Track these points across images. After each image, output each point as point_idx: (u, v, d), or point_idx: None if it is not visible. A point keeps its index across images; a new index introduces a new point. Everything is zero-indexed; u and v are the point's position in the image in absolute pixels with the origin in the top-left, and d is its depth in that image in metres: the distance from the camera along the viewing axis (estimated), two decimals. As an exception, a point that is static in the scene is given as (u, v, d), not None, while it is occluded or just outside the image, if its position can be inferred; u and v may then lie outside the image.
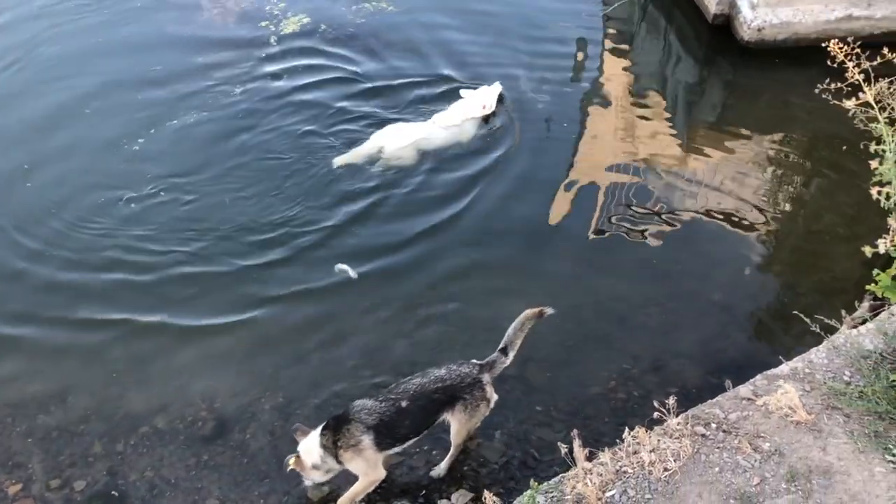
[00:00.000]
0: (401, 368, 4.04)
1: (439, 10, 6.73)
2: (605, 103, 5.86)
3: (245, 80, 6.03)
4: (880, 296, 3.84)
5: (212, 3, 6.81)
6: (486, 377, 3.57)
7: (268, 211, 5.02)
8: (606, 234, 4.91)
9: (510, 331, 3.65)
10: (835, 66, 3.75)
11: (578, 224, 4.99)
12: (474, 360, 3.61)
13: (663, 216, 5.01)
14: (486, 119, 5.60)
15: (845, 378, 3.05)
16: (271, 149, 5.47)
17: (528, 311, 3.64)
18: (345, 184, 5.18)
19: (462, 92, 5.71)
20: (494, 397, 3.62)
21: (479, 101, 5.57)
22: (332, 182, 5.19)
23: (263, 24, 6.58)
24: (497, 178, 5.29)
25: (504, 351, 3.64)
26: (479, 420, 3.64)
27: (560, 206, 5.12)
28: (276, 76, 6.07)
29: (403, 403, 3.44)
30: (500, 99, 5.69)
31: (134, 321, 4.41)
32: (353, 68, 6.14)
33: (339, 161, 5.29)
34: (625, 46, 6.37)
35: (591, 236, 4.92)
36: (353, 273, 4.64)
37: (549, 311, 3.66)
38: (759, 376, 3.13)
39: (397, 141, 5.27)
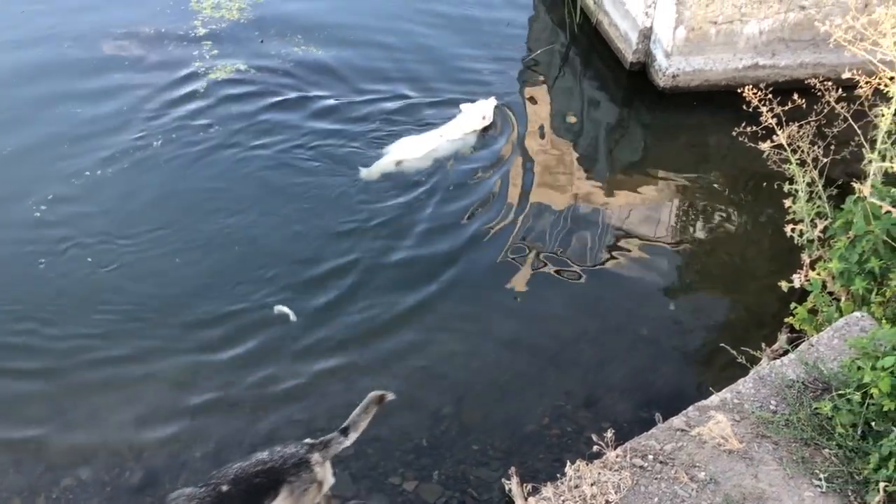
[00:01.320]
0: (336, 411, 3.99)
1: (371, 52, 6.80)
2: (527, 148, 5.98)
3: (174, 127, 5.93)
4: (798, 328, 4.04)
5: (125, 46, 6.70)
6: (315, 457, 3.33)
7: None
8: (535, 272, 5.00)
9: (356, 411, 3.46)
10: (748, 109, 3.98)
11: (506, 263, 5.06)
12: (307, 440, 3.40)
13: (589, 254, 5.13)
14: (484, 130, 5.99)
15: (772, 407, 3.17)
16: (218, 205, 5.38)
17: (373, 394, 3.49)
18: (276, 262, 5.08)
19: (462, 106, 6.05)
20: (330, 480, 3.40)
21: (478, 113, 5.95)
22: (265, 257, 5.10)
23: (193, 67, 6.51)
24: (422, 217, 5.34)
25: (345, 431, 3.43)
26: None
27: (487, 247, 5.19)
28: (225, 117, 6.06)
29: (224, 488, 3.20)
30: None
31: (54, 369, 4.24)
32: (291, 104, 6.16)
33: (365, 174, 5.54)
34: (546, 92, 6.54)
35: (520, 275, 4.99)
36: (292, 316, 4.59)
37: (390, 396, 3.53)
38: (691, 408, 3.22)
39: (413, 152, 5.63)
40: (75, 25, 6.84)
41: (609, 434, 3.04)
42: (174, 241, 5.04)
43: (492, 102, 6.03)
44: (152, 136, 5.80)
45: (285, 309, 4.63)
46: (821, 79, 3.93)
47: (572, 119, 6.31)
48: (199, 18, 6.99)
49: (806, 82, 3.98)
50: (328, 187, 5.50)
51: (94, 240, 5.00)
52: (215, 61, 6.50)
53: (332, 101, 6.21)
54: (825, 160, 3.96)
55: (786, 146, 3.83)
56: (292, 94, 6.26)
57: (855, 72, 3.47)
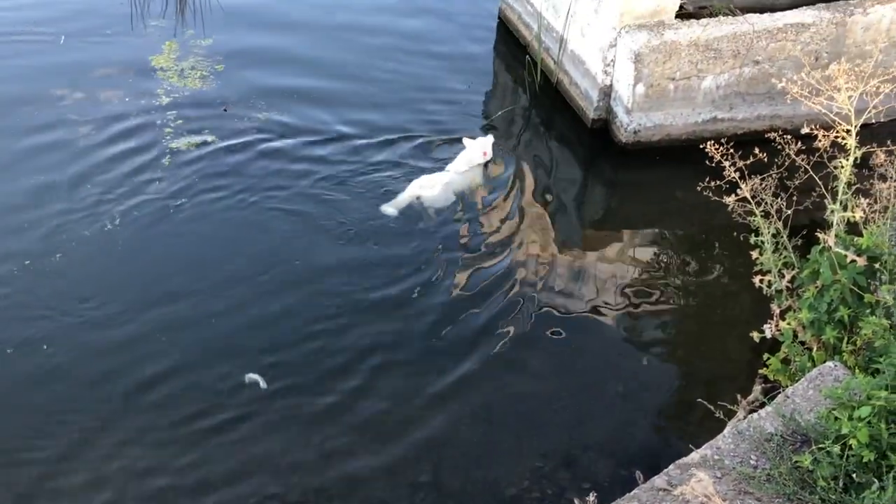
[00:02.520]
0: (310, 484, 3.88)
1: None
2: (493, 209, 6.00)
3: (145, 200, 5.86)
4: (772, 379, 4.04)
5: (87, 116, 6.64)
6: None
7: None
8: (507, 331, 4.96)
9: None
10: (710, 163, 4.04)
11: (477, 323, 5.03)
12: None
13: (561, 312, 5.12)
14: (485, 165, 6.27)
15: (752, 462, 3.13)
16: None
17: None
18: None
19: (465, 140, 6.28)
20: None
21: (479, 148, 6.20)
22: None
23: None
24: (397, 287, 5.30)
25: None
26: None
27: (455, 307, 5.14)
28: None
29: None
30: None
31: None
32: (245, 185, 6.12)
33: (386, 209, 5.80)
34: (510, 151, 6.60)
35: (494, 334, 4.96)
36: (262, 383, 4.51)
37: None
38: (671, 466, 3.18)
39: (431, 189, 5.92)
40: (35, 89, 6.80)
41: (591, 498, 2.98)
42: (143, 322, 4.89)
43: (490, 139, 6.33)
44: (109, 212, 5.64)
45: (255, 376, 4.55)
46: (779, 131, 4.02)
47: (535, 181, 6.35)
48: (163, 87, 6.99)
49: (766, 135, 4.06)
50: (300, 260, 5.44)
51: (60, 315, 4.89)
52: (180, 132, 6.44)
53: (299, 166, 6.20)
54: (788, 212, 4.01)
55: (750, 199, 3.88)
56: (258, 164, 6.23)
57: (813, 126, 3.55)
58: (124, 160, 6.12)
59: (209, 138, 6.40)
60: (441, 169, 6.20)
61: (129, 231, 5.52)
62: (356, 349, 4.80)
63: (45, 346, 4.66)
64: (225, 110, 6.77)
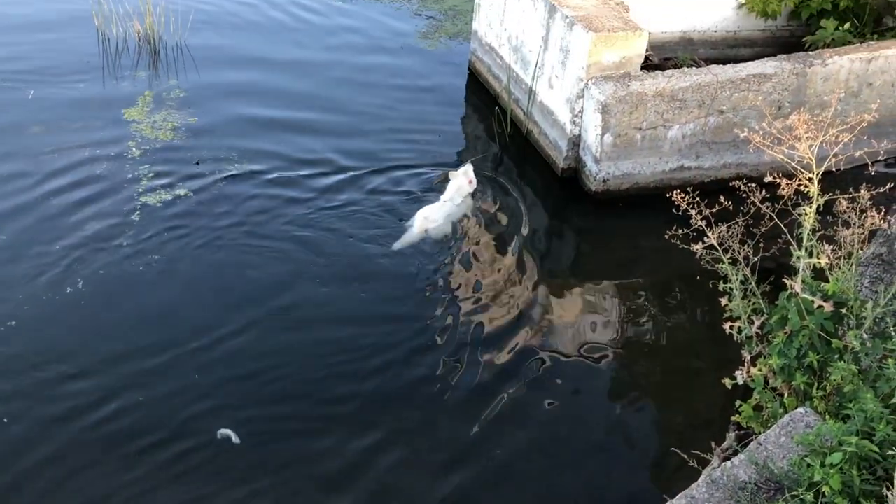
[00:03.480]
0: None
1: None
2: (464, 257, 6.01)
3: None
4: (744, 426, 4.04)
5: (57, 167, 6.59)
6: None
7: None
8: (475, 382, 4.92)
9: None
10: (678, 211, 4.08)
11: (443, 376, 4.98)
12: None
13: (530, 363, 5.10)
14: (473, 193, 6.45)
15: (727, 511, 3.11)
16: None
17: None
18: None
19: (450, 173, 6.44)
20: None
21: (465, 177, 6.36)
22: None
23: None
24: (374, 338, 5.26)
25: None
26: None
27: (419, 361, 5.10)
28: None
29: None
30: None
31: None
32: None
33: (398, 246, 5.96)
34: (482, 204, 6.63)
35: (460, 388, 4.91)
36: (234, 437, 4.42)
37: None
38: (646, 517, 3.15)
39: (435, 222, 6.12)
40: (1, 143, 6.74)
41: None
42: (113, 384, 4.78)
43: (470, 167, 6.52)
44: (78, 271, 5.47)
45: (228, 431, 4.46)
46: (744, 179, 4.09)
47: (505, 229, 6.38)
48: (135, 139, 6.96)
49: (731, 183, 4.13)
50: (278, 310, 5.38)
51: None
52: (151, 187, 6.37)
53: (273, 217, 6.17)
54: (755, 259, 4.05)
55: (717, 247, 3.92)
56: (230, 216, 6.16)
57: (776, 174, 3.61)
58: (92, 216, 6.00)
59: (181, 192, 6.34)
60: (419, 202, 6.39)
61: (93, 291, 5.33)
62: (333, 402, 4.73)
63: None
64: (197, 163, 6.74)
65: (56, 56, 8.16)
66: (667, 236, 4.22)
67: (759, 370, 4.02)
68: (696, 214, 3.84)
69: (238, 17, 9.35)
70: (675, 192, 3.92)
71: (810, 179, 3.55)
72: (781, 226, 3.94)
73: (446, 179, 6.53)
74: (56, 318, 5.12)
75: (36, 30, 8.60)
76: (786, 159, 3.63)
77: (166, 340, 5.02)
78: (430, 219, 6.13)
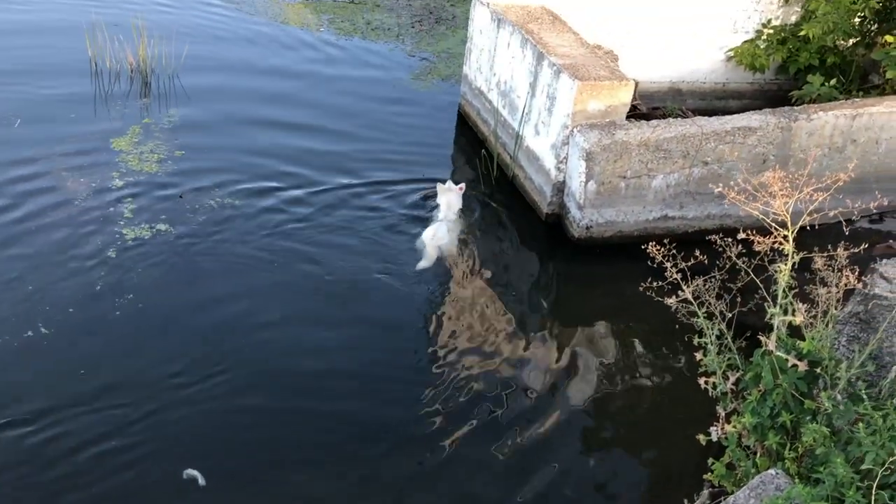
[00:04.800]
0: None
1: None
2: (445, 300, 5.98)
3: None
4: (716, 485, 3.97)
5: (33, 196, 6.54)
6: None
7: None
8: (448, 431, 4.84)
9: None
10: (663, 262, 4.05)
11: (423, 422, 4.91)
12: None
13: (502, 409, 5.02)
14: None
15: (694, 575, 3.03)
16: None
17: None
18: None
19: (438, 187, 6.74)
20: None
21: (451, 191, 6.69)
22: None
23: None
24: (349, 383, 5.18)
25: None
26: None
27: (403, 403, 5.04)
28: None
29: None
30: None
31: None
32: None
33: (422, 265, 6.14)
34: (466, 246, 6.60)
35: (434, 437, 4.83)
36: (201, 479, 4.32)
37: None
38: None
39: (443, 238, 6.34)
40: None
41: None
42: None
43: (449, 182, 6.83)
44: (44, 310, 5.30)
45: (194, 472, 4.36)
46: (728, 231, 4.07)
47: (490, 274, 6.35)
48: (118, 170, 6.94)
49: (709, 237, 4.11)
50: (249, 353, 5.31)
51: None
52: (131, 221, 6.29)
53: (260, 261, 6.10)
54: (731, 314, 4.02)
55: (692, 300, 3.89)
56: (207, 258, 6.04)
57: (750, 230, 3.60)
58: (66, 251, 5.89)
59: (161, 227, 6.27)
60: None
61: (59, 331, 5.16)
62: (305, 446, 4.65)
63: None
64: (180, 197, 6.71)
65: (48, 86, 8.16)
66: (641, 288, 4.18)
67: (734, 427, 3.96)
68: (670, 267, 3.81)
69: (231, 55, 9.39)
70: (650, 244, 3.89)
71: (785, 237, 3.53)
72: (757, 281, 3.92)
73: (433, 195, 6.80)
74: (17, 359, 4.94)
75: (29, 60, 8.61)
76: (761, 216, 3.62)
77: (134, 379, 4.90)
78: (438, 237, 6.33)
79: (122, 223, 6.26)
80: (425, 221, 6.70)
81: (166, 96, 8.30)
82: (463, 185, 6.82)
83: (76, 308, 5.38)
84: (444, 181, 6.89)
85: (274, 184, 7.02)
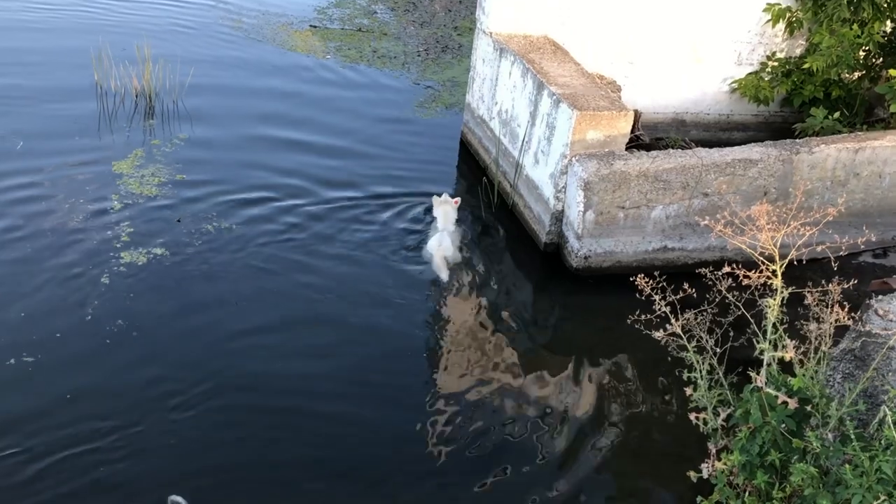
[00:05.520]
0: None
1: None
2: (443, 329, 5.93)
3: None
4: (706, 523, 3.87)
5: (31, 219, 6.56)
6: None
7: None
8: (443, 460, 4.77)
9: None
10: (661, 293, 3.98)
11: (415, 450, 4.84)
12: None
13: (496, 440, 4.95)
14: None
15: None
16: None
17: None
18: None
19: (434, 199, 6.93)
20: None
21: (447, 203, 6.88)
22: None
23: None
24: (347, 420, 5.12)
25: None
26: None
27: (398, 432, 4.98)
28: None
29: None
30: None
31: None
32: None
33: (444, 278, 6.34)
34: (462, 269, 6.57)
35: (422, 462, 4.77)
36: None
37: None
38: None
39: (449, 249, 6.55)
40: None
41: None
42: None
43: (443, 194, 7.04)
44: (33, 338, 5.21)
45: (178, 499, 4.29)
46: (724, 266, 4.00)
47: (488, 304, 6.30)
48: (118, 192, 6.95)
49: (697, 271, 4.05)
50: (236, 378, 5.26)
51: None
52: (128, 243, 6.29)
53: (256, 288, 6.07)
54: (720, 349, 3.95)
55: (681, 334, 3.82)
56: (202, 285, 6.00)
57: (736, 264, 3.54)
58: (59, 274, 5.87)
59: (157, 251, 6.26)
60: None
61: (51, 358, 5.10)
62: (295, 473, 4.58)
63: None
64: (178, 221, 6.71)
65: (52, 108, 8.23)
66: (629, 321, 4.12)
67: (724, 464, 3.87)
68: (659, 300, 3.75)
69: (236, 80, 9.46)
70: (639, 276, 3.84)
71: (774, 272, 3.47)
72: (748, 316, 3.85)
73: (430, 208, 7.00)
74: (7, 386, 4.88)
75: (34, 82, 8.69)
76: (749, 249, 3.56)
77: (124, 405, 4.85)
78: (443, 247, 6.53)
79: (118, 246, 6.25)
80: (423, 234, 6.85)
81: (169, 120, 8.34)
82: (458, 199, 6.99)
83: (65, 335, 5.32)
84: (439, 194, 7.02)
85: (272, 210, 7.02)
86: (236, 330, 5.60)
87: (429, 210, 7.08)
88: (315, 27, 11.28)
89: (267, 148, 8.04)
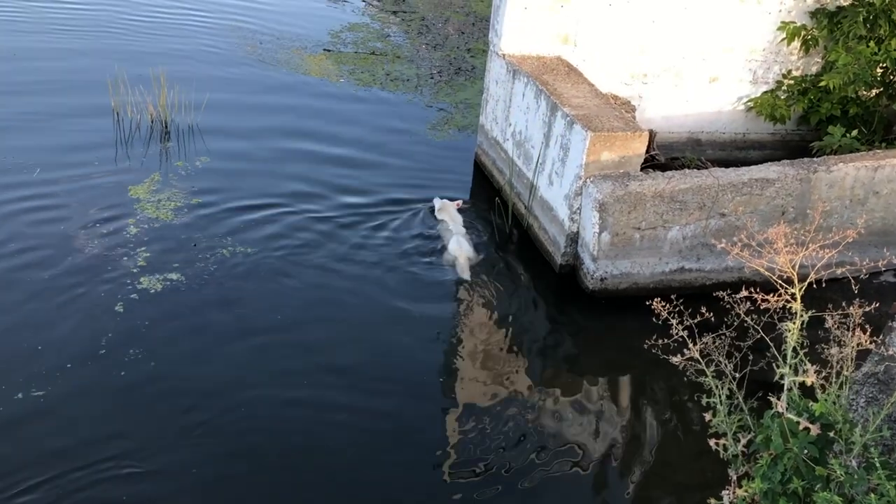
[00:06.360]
0: None
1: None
2: (458, 349, 5.88)
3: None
4: (727, 553, 3.77)
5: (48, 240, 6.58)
6: None
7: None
8: (456, 479, 4.71)
9: None
10: (679, 316, 3.92)
11: (430, 472, 4.79)
12: None
13: (511, 464, 4.89)
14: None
15: None
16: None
17: None
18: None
19: (435, 201, 7.44)
20: None
21: (450, 206, 7.33)
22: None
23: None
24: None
25: None
26: None
27: (410, 452, 4.96)
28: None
29: None
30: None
31: None
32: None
33: (464, 276, 6.60)
34: (478, 292, 6.53)
35: (445, 484, 4.72)
36: None
37: None
38: None
39: (467, 249, 6.86)
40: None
41: None
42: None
43: (440, 198, 7.49)
44: (44, 373, 5.16)
45: None
46: (742, 288, 3.93)
47: (513, 340, 6.25)
48: (134, 217, 6.98)
49: (714, 294, 3.98)
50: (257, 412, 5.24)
51: None
52: (143, 268, 6.29)
53: (271, 313, 6.05)
54: (738, 374, 3.87)
55: (699, 359, 3.74)
56: (217, 311, 5.98)
57: (753, 288, 3.47)
58: (74, 302, 5.87)
59: (173, 276, 6.26)
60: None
61: (61, 391, 5.04)
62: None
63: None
64: (194, 245, 6.71)
65: (69, 133, 8.30)
66: (646, 345, 4.05)
67: (745, 492, 3.78)
68: (676, 324, 3.69)
69: (251, 105, 9.50)
70: (655, 299, 3.78)
71: (793, 295, 3.40)
72: (767, 339, 3.77)
73: (432, 212, 7.39)
74: (17, 422, 4.82)
75: (51, 108, 8.77)
76: (766, 272, 3.49)
77: (134, 436, 4.81)
78: (462, 248, 6.79)
79: (135, 271, 6.26)
80: (435, 240, 7.11)
81: (185, 143, 8.39)
82: (460, 200, 7.31)
83: (76, 365, 5.27)
84: (441, 197, 7.42)
85: (286, 229, 7.03)
86: (257, 358, 5.57)
87: (432, 210, 7.44)
88: (329, 51, 11.34)
89: (280, 172, 8.05)
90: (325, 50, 11.36)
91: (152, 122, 8.64)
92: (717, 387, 3.86)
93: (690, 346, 3.74)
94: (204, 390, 5.23)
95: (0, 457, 4.56)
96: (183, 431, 4.89)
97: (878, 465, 3.07)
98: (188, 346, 5.62)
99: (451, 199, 7.52)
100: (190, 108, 8.76)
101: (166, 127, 8.59)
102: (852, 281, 3.97)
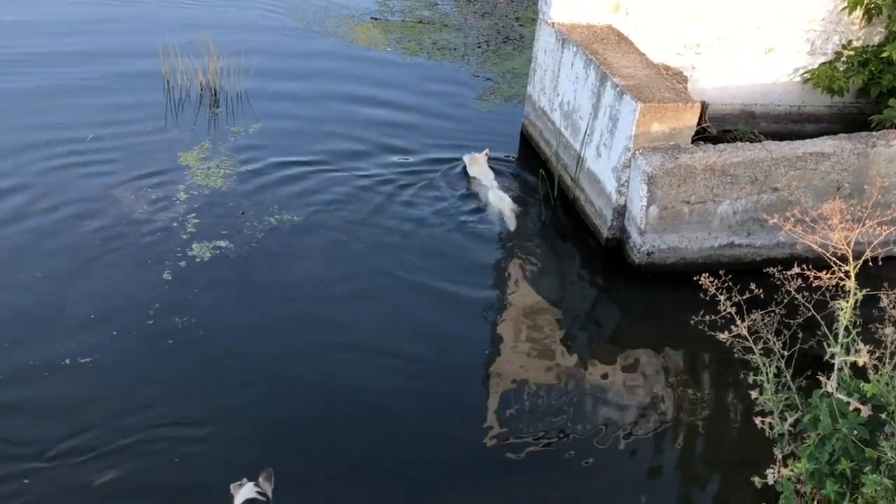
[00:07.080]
0: None
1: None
2: (503, 323, 5.87)
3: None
4: (771, 532, 3.73)
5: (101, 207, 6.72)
6: None
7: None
8: (510, 456, 4.73)
9: None
10: (727, 291, 3.86)
11: (474, 442, 4.82)
12: None
13: (556, 436, 4.89)
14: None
15: None
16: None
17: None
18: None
19: (465, 157, 7.59)
20: None
21: (481, 159, 7.47)
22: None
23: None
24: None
25: None
26: None
27: (457, 421, 4.98)
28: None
29: None
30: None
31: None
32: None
33: (511, 227, 6.86)
34: (523, 266, 6.50)
35: (486, 450, 4.74)
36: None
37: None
38: None
39: (509, 200, 7.08)
40: (49, 189, 6.84)
41: None
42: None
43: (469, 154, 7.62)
44: (97, 337, 5.28)
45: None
46: (794, 264, 3.85)
47: (549, 299, 6.22)
48: (184, 184, 7.08)
49: (764, 270, 3.91)
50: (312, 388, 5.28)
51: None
52: (192, 235, 6.38)
53: (317, 282, 6.10)
54: (787, 352, 3.80)
55: (747, 336, 3.69)
56: (266, 278, 6.04)
57: (806, 265, 3.40)
58: (123, 268, 5.99)
59: (221, 244, 6.34)
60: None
61: (113, 359, 5.15)
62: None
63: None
64: (242, 213, 6.79)
65: (121, 102, 8.41)
66: (692, 321, 4.00)
67: (791, 471, 3.73)
68: (724, 300, 3.63)
69: (297, 72, 9.53)
70: (703, 275, 3.72)
71: (847, 273, 3.32)
72: (818, 318, 3.69)
73: (464, 168, 7.52)
74: (67, 383, 4.95)
75: (104, 78, 8.90)
76: (820, 249, 3.41)
77: (180, 407, 4.88)
78: (503, 200, 7.03)
79: (184, 238, 6.36)
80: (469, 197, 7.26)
81: (234, 111, 8.46)
82: (487, 150, 7.45)
83: (128, 331, 5.38)
84: (470, 152, 7.59)
85: (334, 198, 7.08)
86: (308, 326, 5.66)
87: (464, 171, 7.54)
88: (376, 19, 11.29)
89: (328, 140, 8.08)
90: (372, 18, 11.31)
91: (202, 89, 8.72)
92: (764, 364, 3.80)
93: (738, 322, 3.69)
94: (253, 358, 5.31)
95: (57, 413, 4.74)
96: (231, 395, 4.99)
97: (930, 448, 3.00)
98: (237, 315, 5.69)
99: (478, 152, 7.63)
100: (239, 76, 8.82)
101: (215, 94, 8.67)
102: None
